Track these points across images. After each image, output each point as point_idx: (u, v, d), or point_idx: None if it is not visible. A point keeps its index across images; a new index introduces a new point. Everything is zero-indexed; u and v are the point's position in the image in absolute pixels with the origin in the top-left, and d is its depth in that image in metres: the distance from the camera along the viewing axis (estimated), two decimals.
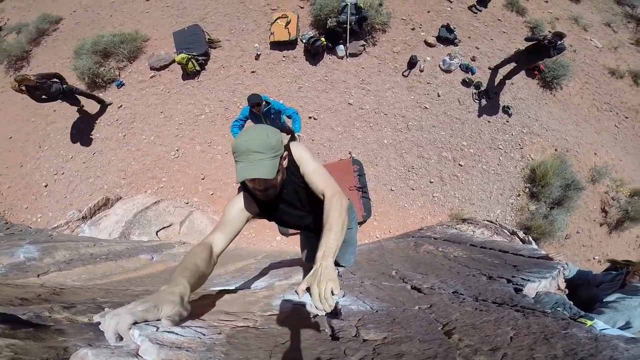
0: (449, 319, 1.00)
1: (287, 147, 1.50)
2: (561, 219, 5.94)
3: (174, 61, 6.84)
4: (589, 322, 1.52)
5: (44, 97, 5.74)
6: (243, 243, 5.03)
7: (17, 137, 7.06)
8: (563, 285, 2.03)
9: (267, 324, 0.95)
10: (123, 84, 7.02)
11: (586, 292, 2.43)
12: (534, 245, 2.95)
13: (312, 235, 2.05)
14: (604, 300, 2.22)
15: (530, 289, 1.45)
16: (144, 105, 6.73)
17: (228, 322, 0.88)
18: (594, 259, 6.22)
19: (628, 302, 2.05)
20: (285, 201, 1.58)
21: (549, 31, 6.71)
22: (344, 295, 1.06)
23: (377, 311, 1.11)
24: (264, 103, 4.12)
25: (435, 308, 1.13)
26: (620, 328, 1.99)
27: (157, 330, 0.73)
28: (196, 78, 6.76)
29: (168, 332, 0.73)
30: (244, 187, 1.50)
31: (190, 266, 1.06)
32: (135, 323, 0.73)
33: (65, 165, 6.54)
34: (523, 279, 1.53)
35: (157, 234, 4.37)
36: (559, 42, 5.47)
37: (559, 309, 1.66)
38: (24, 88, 5.41)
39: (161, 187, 5.99)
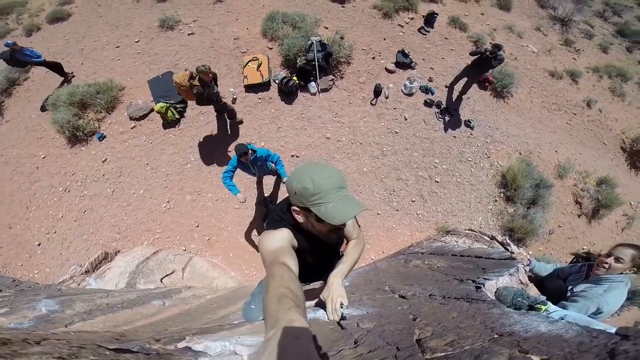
0: (419, 311, 1.39)
1: None
2: (539, 216, 6.31)
3: (152, 110, 6.81)
4: (543, 307, 1.84)
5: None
6: (246, 282, 5.20)
7: (1, 198, 6.82)
8: (525, 279, 2.38)
9: None
10: (104, 137, 6.86)
11: (551, 285, 2.80)
12: (513, 247, 3.31)
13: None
14: (574, 291, 2.52)
15: (490, 286, 1.82)
16: (128, 157, 6.63)
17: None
18: (582, 249, 6.29)
19: (595, 290, 2.31)
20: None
21: (490, 42, 7.36)
22: (347, 307, 1.43)
23: (370, 313, 1.49)
24: (250, 152, 4.38)
25: (413, 307, 1.51)
26: (593, 313, 2.31)
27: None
28: (177, 126, 6.75)
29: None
30: (285, 225, 1.38)
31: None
32: None
33: (56, 224, 6.33)
34: (485, 278, 1.91)
35: (161, 281, 4.55)
36: (498, 53, 5.96)
37: (518, 299, 2.00)
38: (196, 84, 4.89)
39: (157, 238, 5.95)
